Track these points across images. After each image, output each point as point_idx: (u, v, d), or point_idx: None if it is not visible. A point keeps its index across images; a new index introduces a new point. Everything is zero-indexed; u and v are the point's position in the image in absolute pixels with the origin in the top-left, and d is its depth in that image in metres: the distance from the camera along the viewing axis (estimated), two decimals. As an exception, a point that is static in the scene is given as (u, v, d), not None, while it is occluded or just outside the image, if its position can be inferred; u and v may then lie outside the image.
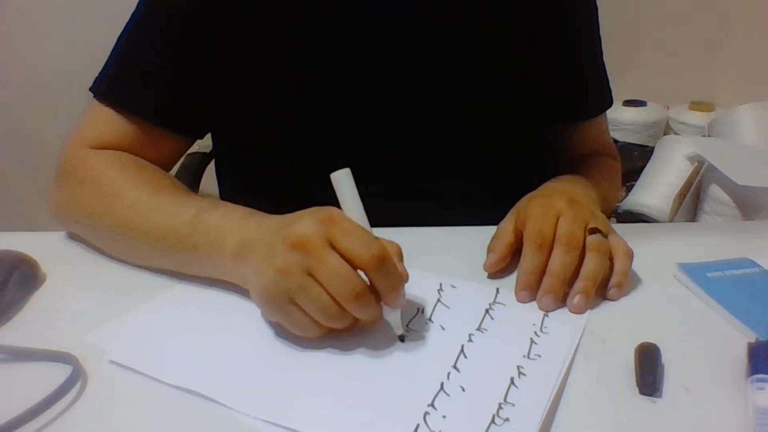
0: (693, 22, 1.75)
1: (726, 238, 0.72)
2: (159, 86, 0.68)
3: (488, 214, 0.67)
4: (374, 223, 0.50)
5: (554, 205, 0.61)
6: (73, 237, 0.67)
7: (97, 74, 0.69)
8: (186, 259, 0.58)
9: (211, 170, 0.94)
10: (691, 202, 1.46)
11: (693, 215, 1.45)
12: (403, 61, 0.71)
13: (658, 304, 0.58)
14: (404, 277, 0.51)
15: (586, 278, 0.57)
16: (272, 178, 0.77)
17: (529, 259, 0.58)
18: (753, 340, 0.50)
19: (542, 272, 0.57)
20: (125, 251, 0.62)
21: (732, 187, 1.29)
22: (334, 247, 0.47)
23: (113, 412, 0.45)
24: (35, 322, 0.56)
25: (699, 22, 1.75)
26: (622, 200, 1.58)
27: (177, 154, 0.73)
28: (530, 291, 0.58)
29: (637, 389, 0.47)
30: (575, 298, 0.56)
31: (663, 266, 0.62)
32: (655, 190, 1.55)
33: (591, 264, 0.57)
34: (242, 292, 0.56)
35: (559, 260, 0.57)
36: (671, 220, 1.48)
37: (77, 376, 0.47)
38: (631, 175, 1.63)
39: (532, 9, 0.74)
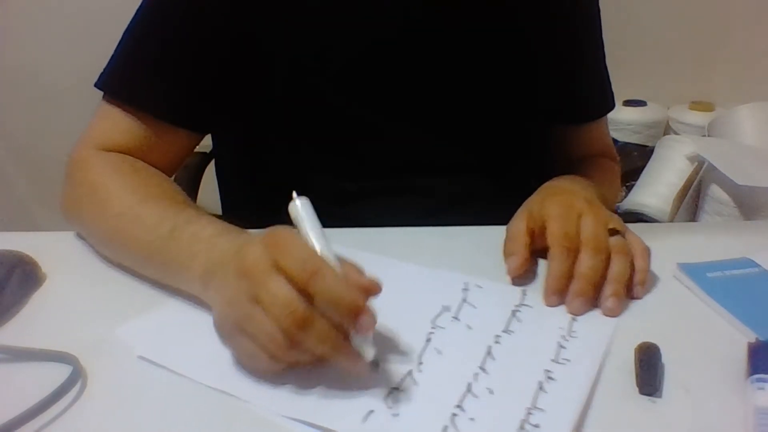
0: (693, 22, 1.75)
1: (726, 238, 0.72)
2: (164, 80, 0.67)
3: (488, 213, 0.67)
4: (374, 221, 0.48)
5: (574, 206, 0.60)
6: (80, 237, 0.67)
7: (99, 72, 0.69)
8: (162, 274, 0.58)
9: (211, 170, 0.94)
10: (691, 202, 1.46)
11: (693, 215, 1.45)
12: (407, 65, 0.71)
13: (658, 304, 0.58)
14: (358, 289, 0.44)
15: (616, 281, 0.56)
16: (274, 176, 0.77)
17: (557, 262, 0.57)
18: (753, 340, 0.50)
19: (571, 275, 0.57)
20: (116, 257, 0.62)
21: (732, 187, 1.29)
22: (281, 271, 0.44)
23: (113, 412, 0.45)
24: (35, 322, 0.56)
25: (699, 22, 1.75)
26: (622, 200, 1.58)
27: (183, 153, 0.73)
28: (560, 295, 0.57)
29: (637, 389, 0.47)
30: (608, 301, 0.56)
31: (663, 266, 0.62)
32: (655, 190, 1.55)
33: (618, 266, 0.57)
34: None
35: (588, 263, 0.56)
36: (671, 220, 1.48)
37: (77, 376, 0.47)
38: (631, 175, 1.63)
39: (535, 14, 0.74)
